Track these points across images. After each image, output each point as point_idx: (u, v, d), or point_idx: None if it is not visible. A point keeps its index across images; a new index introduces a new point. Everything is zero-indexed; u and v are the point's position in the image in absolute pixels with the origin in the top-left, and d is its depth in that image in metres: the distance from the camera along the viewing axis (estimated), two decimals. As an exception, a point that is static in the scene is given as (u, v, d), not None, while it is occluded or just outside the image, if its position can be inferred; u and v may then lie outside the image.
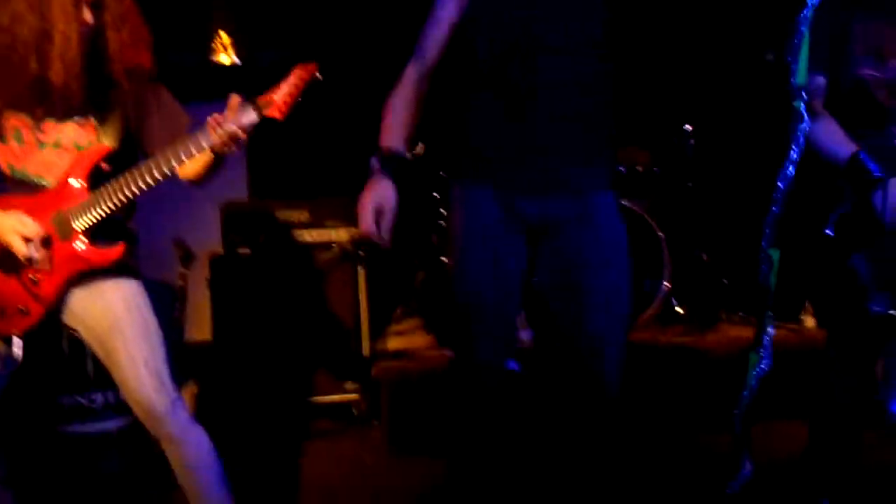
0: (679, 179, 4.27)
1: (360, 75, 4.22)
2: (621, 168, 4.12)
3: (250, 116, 1.99)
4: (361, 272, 3.95)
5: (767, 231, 1.68)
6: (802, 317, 3.98)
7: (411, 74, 2.05)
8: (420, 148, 3.98)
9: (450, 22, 2.01)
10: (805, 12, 1.55)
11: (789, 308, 3.99)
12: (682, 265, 4.15)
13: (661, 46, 3.96)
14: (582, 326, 1.95)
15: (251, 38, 4.86)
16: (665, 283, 3.87)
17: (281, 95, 1.97)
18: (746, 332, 3.94)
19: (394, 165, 1.98)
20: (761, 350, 1.66)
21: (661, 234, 3.88)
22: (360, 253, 3.94)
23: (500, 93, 1.93)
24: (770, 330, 1.65)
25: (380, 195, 1.94)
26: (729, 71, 4.32)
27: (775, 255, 1.69)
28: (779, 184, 1.66)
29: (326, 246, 3.95)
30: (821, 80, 2.42)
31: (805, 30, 1.56)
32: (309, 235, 3.98)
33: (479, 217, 1.99)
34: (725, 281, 4.23)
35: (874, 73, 2.36)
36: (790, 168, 1.65)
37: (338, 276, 3.94)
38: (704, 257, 4.25)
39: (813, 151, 2.35)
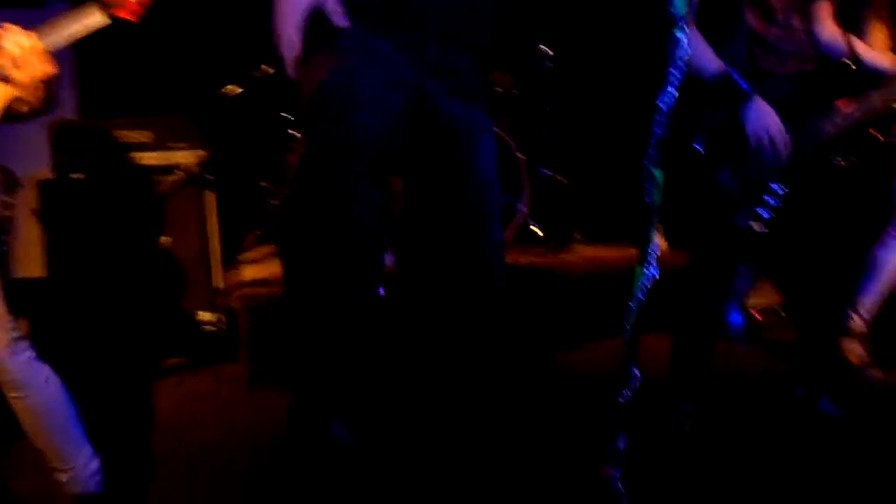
0: (537, 102, 4.27)
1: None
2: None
3: (95, 18, 1.66)
4: (210, 197, 3.70)
5: (652, 152, 1.66)
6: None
7: None
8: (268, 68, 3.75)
9: None
10: None
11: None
12: (539, 188, 4.19)
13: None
14: (469, 208, 1.83)
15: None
16: (523, 205, 3.90)
17: None
18: (599, 252, 4.07)
19: None
20: (647, 263, 1.67)
21: (520, 155, 3.88)
22: (208, 177, 3.69)
23: None
24: (656, 243, 1.66)
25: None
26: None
27: (659, 174, 1.68)
28: (661, 106, 1.63)
29: (169, 169, 3.66)
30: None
31: None
32: (150, 158, 3.67)
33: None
34: (581, 204, 4.32)
35: None
36: (672, 90, 1.62)
37: (182, 203, 3.67)
38: (561, 179, 4.32)
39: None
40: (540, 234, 4.17)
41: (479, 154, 1.80)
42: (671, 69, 1.63)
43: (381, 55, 1.69)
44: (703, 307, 2.46)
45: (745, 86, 2.36)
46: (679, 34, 1.61)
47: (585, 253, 4.10)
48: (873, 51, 2.56)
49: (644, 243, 1.66)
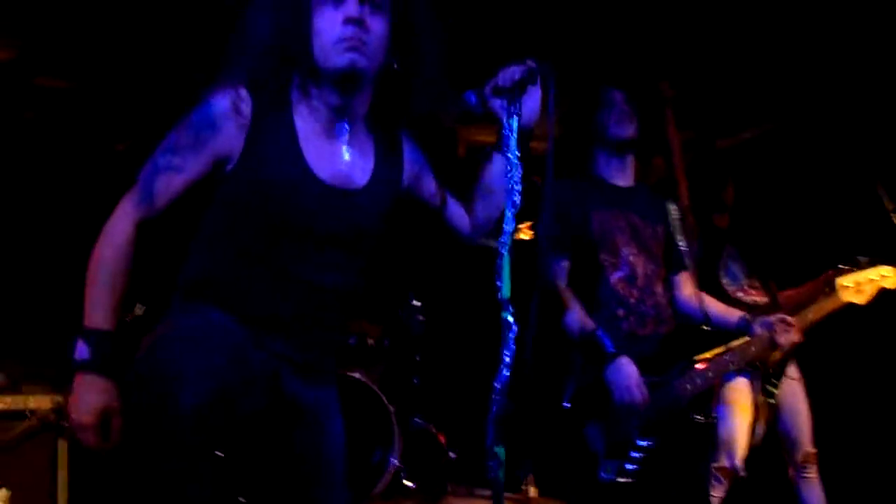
0: (407, 353, 4.36)
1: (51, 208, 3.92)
2: (352, 340, 4.13)
3: None
4: (63, 446, 3.49)
5: (491, 430, 1.72)
6: (524, 487, 4.11)
7: (127, 223, 1.69)
8: (139, 309, 3.72)
9: (194, 173, 1.70)
10: (503, 239, 1.67)
11: (512, 479, 4.12)
12: (410, 438, 4.16)
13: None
14: None
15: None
16: (394, 457, 3.84)
17: None
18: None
19: (107, 351, 1.63)
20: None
21: (390, 406, 3.89)
22: (63, 423, 3.50)
23: (273, 269, 1.73)
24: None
25: (99, 398, 1.60)
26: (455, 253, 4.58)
27: (501, 452, 1.73)
28: (495, 385, 1.71)
29: (22, 415, 3.47)
30: (564, 264, 2.68)
31: (505, 253, 1.67)
32: (1, 402, 3.47)
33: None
34: (452, 455, 4.29)
35: (606, 258, 2.66)
36: (504, 371, 1.71)
37: (31, 452, 3.45)
38: (433, 430, 4.31)
39: (552, 326, 2.55)
40: (412, 486, 4.08)
41: (324, 435, 1.81)
42: (503, 350, 1.73)
43: (222, 331, 1.69)
44: None
45: (609, 345, 2.52)
46: (507, 316, 1.73)
47: (458, 505, 4.02)
48: (724, 308, 2.81)
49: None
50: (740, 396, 3.55)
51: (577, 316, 2.60)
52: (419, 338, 4.39)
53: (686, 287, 2.83)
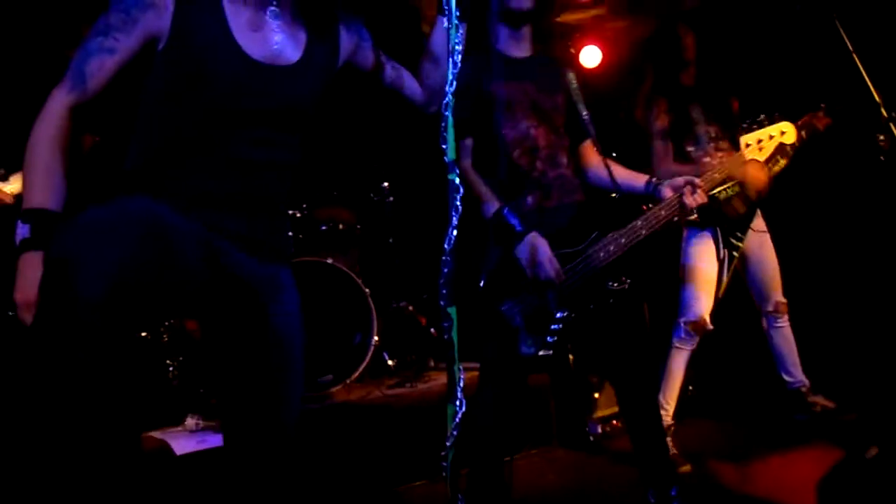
0: (380, 235, 4.37)
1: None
2: (323, 227, 4.13)
3: None
4: None
5: (443, 291, 1.73)
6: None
7: (62, 106, 1.68)
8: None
9: (125, 53, 1.69)
10: (445, 100, 1.66)
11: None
12: (389, 320, 4.23)
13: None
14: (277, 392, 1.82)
15: None
16: (374, 337, 3.91)
17: None
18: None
19: (47, 230, 1.60)
20: (456, 400, 1.70)
21: (366, 289, 3.92)
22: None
23: (206, 149, 1.72)
24: (461, 379, 1.70)
25: (39, 276, 1.51)
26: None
27: (453, 311, 1.75)
28: (445, 246, 1.72)
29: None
30: (468, 142, 2.64)
31: (448, 114, 1.66)
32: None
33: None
34: (432, 330, 4.37)
35: (507, 132, 2.62)
36: (452, 232, 1.71)
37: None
38: (410, 309, 4.37)
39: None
40: (392, 364, 4.18)
41: (276, 311, 1.82)
42: (451, 212, 1.73)
43: (165, 211, 1.65)
44: (494, 430, 2.54)
45: (516, 224, 2.51)
46: (452, 177, 1.72)
47: (441, 380, 4.11)
48: (631, 174, 2.80)
49: (450, 379, 1.70)
50: (704, 251, 3.62)
51: (484, 197, 2.58)
52: (391, 219, 4.39)
53: (591, 156, 2.80)
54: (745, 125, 2.85)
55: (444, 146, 1.71)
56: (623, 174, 2.76)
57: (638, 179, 2.73)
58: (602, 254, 2.56)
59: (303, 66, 1.80)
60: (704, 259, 3.60)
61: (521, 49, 2.73)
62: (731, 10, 4.78)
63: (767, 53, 4.51)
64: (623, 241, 2.56)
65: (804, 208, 4.48)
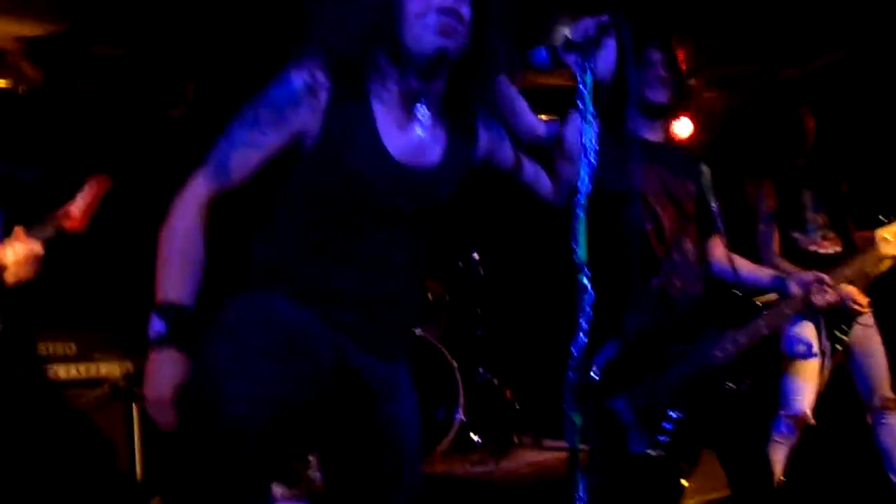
0: (469, 306, 4.33)
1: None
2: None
3: (46, 232, 1.76)
4: (136, 411, 3.59)
5: (568, 396, 1.69)
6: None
7: (201, 196, 1.65)
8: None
9: (272, 149, 1.65)
10: (579, 198, 1.63)
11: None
12: (475, 392, 4.17)
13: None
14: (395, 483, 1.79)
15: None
16: (460, 412, 3.86)
17: (79, 207, 1.75)
18: (541, 456, 4.00)
19: (183, 326, 1.59)
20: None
21: (453, 362, 3.88)
22: (136, 391, 3.59)
23: (343, 248, 1.71)
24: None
25: (176, 373, 1.57)
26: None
27: (578, 420, 1.70)
28: (573, 350, 1.67)
29: (95, 382, 3.57)
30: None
31: (581, 213, 1.63)
32: (74, 370, 3.57)
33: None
34: (517, 405, 4.29)
35: (638, 212, 2.58)
36: (582, 336, 1.67)
37: (107, 416, 3.55)
38: (495, 382, 4.31)
39: None
40: (477, 440, 4.11)
41: (395, 412, 1.79)
42: (580, 317, 1.68)
43: (281, 321, 1.67)
44: None
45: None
46: (583, 280, 1.68)
47: (527, 457, 4.03)
48: (756, 268, 2.71)
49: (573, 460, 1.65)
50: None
51: None
52: (480, 291, 4.36)
53: (718, 249, 2.74)
54: (884, 218, 2.71)
55: (574, 245, 1.68)
56: (748, 268, 2.69)
57: (763, 274, 2.66)
58: (719, 352, 2.47)
59: (444, 168, 1.77)
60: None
61: (655, 135, 2.72)
62: (834, 83, 4.69)
63: (878, 134, 4.39)
64: (743, 339, 2.48)
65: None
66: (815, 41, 4.68)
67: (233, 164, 1.65)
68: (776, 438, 3.45)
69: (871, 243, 2.94)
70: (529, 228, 4.45)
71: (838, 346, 3.46)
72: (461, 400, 3.86)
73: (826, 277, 2.52)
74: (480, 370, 4.35)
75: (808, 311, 2.52)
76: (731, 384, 2.47)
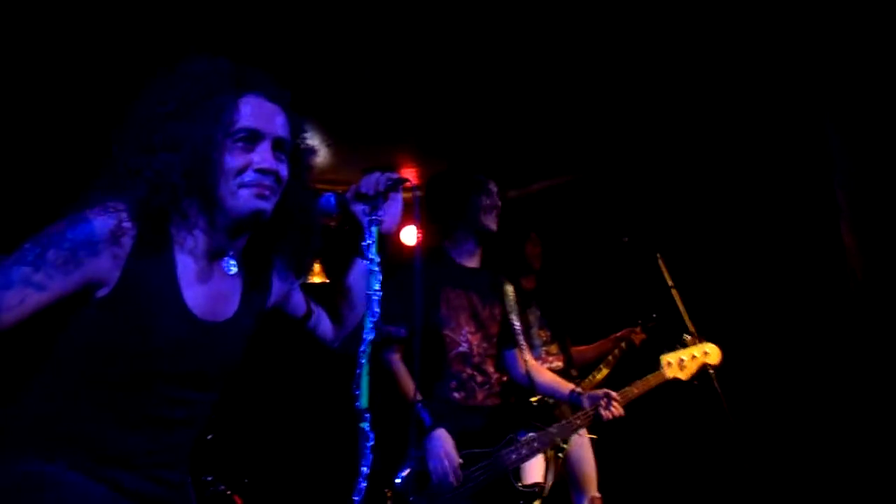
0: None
1: None
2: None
3: None
4: None
5: (361, 486, 1.70)
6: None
7: None
8: None
9: (55, 294, 1.49)
10: (362, 348, 1.68)
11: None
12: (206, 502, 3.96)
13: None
14: None
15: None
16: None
17: None
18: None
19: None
20: None
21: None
22: None
23: (123, 405, 1.58)
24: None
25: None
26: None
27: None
28: (355, 498, 1.71)
29: None
30: (402, 332, 2.74)
31: (364, 361, 1.68)
32: None
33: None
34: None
35: (447, 333, 2.77)
36: (362, 482, 1.70)
37: None
38: (228, 492, 4.12)
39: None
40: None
41: None
42: (361, 461, 1.71)
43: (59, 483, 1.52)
44: None
45: (426, 418, 2.60)
46: (364, 426, 1.71)
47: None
48: (556, 380, 3.03)
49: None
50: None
51: (406, 388, 2.73)
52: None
53: (519, 362, 3.03)
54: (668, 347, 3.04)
55: (356, 392, 1.72)
56: (547, 380, 2.98)
57: (562, 387, 2.95)
58: (514, 455, 2.68)
59: (236, 321, 1.71)
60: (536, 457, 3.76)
61: (472, 260, 2.92)
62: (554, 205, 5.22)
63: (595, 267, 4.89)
64: (536, 445, 2.71)
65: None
66: (536, 166, 5.22)
67: (6, 303, 1.45)
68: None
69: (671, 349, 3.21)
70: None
71: (559, 455, 3.80)
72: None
73: (613, 393, 2.84)
74: (208, 478, 4.14)
75: (595, 423, 2.82)
76: (521, 485, 2.68)
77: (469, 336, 2.87)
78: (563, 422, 2.83)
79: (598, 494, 3.99)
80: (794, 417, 4.20)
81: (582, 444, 3.98)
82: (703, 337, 3.10)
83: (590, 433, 3.96)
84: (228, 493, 4.19)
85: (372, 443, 1.69)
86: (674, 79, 3.96)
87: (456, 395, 2.79)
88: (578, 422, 2.80)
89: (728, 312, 3.91)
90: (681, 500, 4.65)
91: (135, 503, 1.60)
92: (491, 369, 2.92)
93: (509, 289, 3.08)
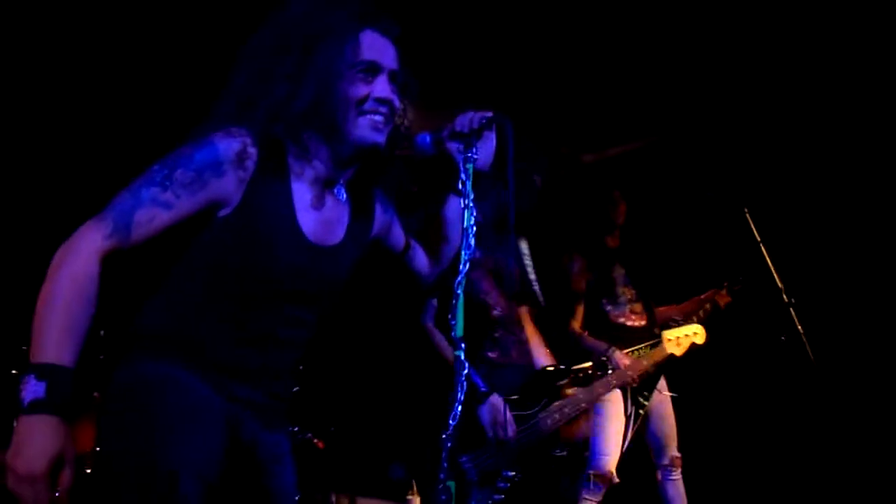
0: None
1: None
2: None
3: None
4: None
5: (445, 464, 1.77)
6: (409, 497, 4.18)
7: (97, 249, 1.51)
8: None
9: (182, 213, 1.58)
10: (459, 279, 1.71)
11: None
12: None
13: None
14: None
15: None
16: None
17: None
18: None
19: (66, 391, 1.42)
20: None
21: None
22: None
23: (239, 321, 1.68)
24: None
25: (55, 443, 1.40)
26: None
27: (452, 486, 1.78)
28: (450, 422, 1.76)
29: None
30: (434, 302, 2.81)
31: (460, 292, 1.71)
32: None
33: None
34: (334, 463, 4.28)
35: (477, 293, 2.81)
36: (458, 407, 1.76)
37: None
38: (311, 438, 4.28)
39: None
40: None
41: (279, 477, 1.79)
42: (457, 388, 1.77)
43: (185, 385, 1.63)
44: None
45: (481, 384, 2.66)
46: (459, 354, 1.77)
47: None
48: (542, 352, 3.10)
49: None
50: (614, 408, 3.80)
51: (445, 352, 2.78)
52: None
53: (526, 322, 3.13)
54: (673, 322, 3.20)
55: (452, 321, 1.77)
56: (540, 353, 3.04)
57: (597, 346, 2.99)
58: (549, 421, 2.72)
59: (344, 246, 1.81)
60: (614, 414, 3.78)
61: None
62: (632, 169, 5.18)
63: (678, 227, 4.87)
64: (567, 410, 2.75)
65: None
66: (612, 131, 5.18)
67: (136, 221, 1.54)
68: (585, 496, 3.71)
69: (668, 326, 3.44)
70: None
71: (641, 412, 3.81)
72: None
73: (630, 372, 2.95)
74: (295, 429, 4.30)
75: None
76: (557, 450, 2.73)
77: (498, 297, 2.94)
78: (589, 387, 2.94)
79: (678, 454, 4.00)
80: (886, 375, 4.11)
81: (663, 402, 3.99)
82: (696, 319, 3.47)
83: (670, 391, 3.97)
84: (315, 440, 4.35)
85: (467, 371, 1.75)
86: (762, 31, 3.88)
87: (491, 353, 2.86)
88: (601, 389, 2.94)
89: (819, 269, 3.83)
90: (761, 461, 4.60)
91: (247, 410, 1.71)
92: (518, 328, 3.00)
93: (524, 244, 3.15)
